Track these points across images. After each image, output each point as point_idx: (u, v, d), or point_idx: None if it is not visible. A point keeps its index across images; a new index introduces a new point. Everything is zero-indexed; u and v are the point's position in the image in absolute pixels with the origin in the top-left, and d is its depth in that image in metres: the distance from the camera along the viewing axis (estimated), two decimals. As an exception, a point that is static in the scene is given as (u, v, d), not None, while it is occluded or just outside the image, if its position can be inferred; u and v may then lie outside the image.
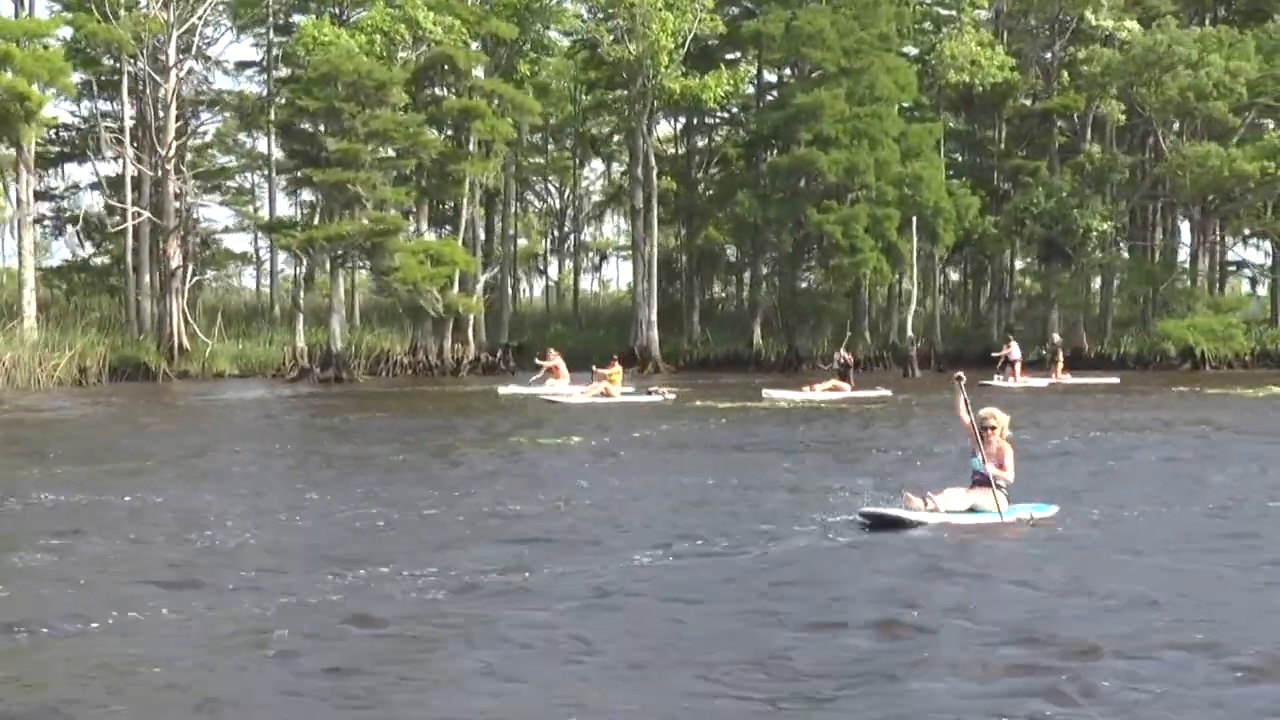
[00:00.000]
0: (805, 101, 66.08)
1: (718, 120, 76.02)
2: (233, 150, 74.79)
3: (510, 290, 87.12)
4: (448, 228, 70.64)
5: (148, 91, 60.50)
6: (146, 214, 59.51)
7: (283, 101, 60.96)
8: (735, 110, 74.77)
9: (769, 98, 73.70)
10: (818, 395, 44.55)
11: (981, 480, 18.05)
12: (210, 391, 50.81)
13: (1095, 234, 68.68)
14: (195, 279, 63.04)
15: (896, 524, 17.33)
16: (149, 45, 59.09)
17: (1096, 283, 74.52)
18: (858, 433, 32.05)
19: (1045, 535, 17.18)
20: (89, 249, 67.08)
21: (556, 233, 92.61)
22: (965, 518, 17.74)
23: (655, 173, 68.94)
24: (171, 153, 58.97)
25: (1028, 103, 74.92)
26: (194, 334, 59.24)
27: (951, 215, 66.45)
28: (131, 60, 59.80)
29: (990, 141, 77.02)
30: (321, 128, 58.13)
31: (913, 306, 66.81)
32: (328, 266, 58.58)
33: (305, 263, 59.25)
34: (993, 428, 18.25)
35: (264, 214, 73.60)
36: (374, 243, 57.12)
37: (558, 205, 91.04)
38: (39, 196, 64.14)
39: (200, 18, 61.26)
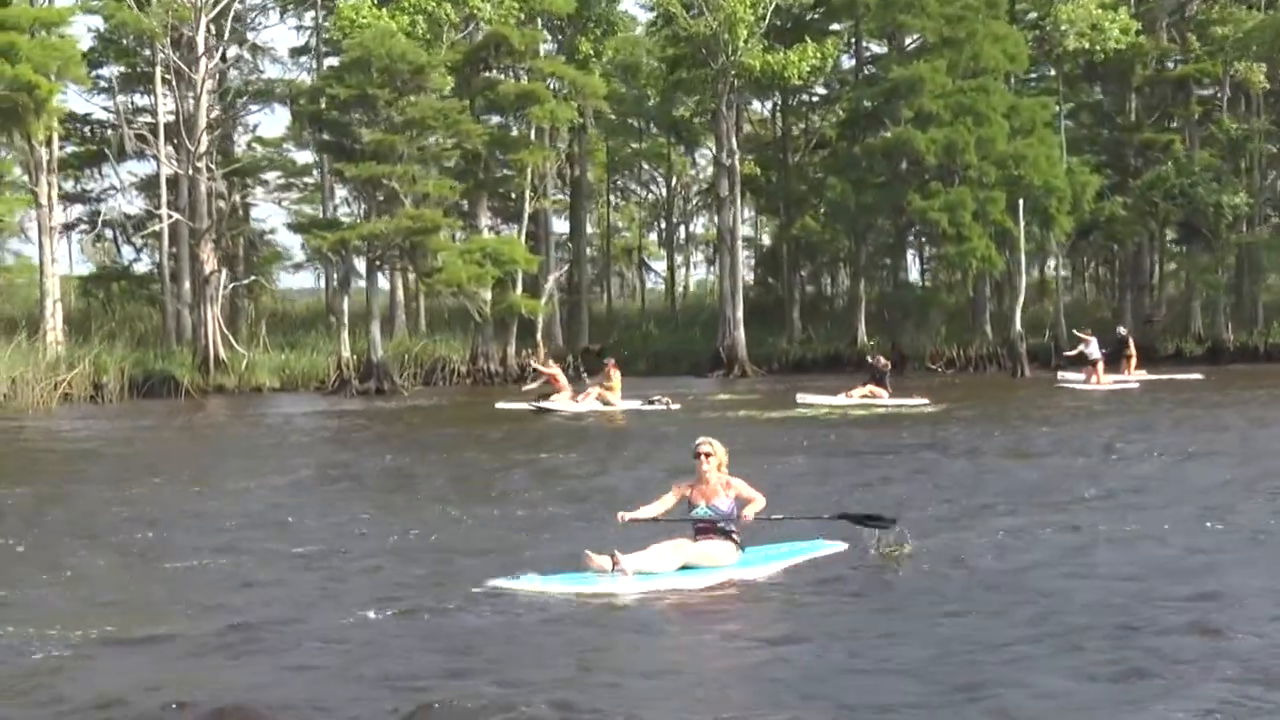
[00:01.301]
0: (902, 75, 61.51)
1: (814, 99, 70.95)
2: (291, 144, 71.11)
3: (605, 288, 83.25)
4: (510, 225, 66.67)
5: (181, 84, 56.94)
6: (176, 215, 56.16)
7: (315, 90, 56.76)
8: (836, 87, 69.65)
9: (867, 72, 68.55)
10: (853, 402, 41.31)
11: (706, 529, 15.00)
12: (233, 408, 48.12)
13: (1228, 211, 62.75)
14: (235, 284, 59.44)
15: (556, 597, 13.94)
16: (182, 34, 55.53)
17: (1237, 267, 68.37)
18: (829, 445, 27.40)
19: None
20: (129, 254, 64.08)
21: (663, 225, 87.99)
22: (661, 581, 14.35)
23: (738, 157, 64.09)
24: (203, 148, 55.51)
25: (1158, 70, 68.89)
26: (231, 345, 55.43)
27: (1066, 197, 61.05)
28: (163, 50, 56.25)
29: (1121, 114, 71.11)
30: (356, 118, 54.10)
31: (1021, 298, 61.50)
32: (363, 269, 54.40)
33: (342, 265, 55.31)
34: (706, 454, 15.13)
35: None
36: (413, 242, 53.19)
37: (663, 195, 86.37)
38: (73, 199, 61.20)
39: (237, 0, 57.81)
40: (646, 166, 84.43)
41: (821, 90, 70.52)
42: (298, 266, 76.93)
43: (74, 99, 64.67)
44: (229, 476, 26.08)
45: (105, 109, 61.55)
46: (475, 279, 54.50)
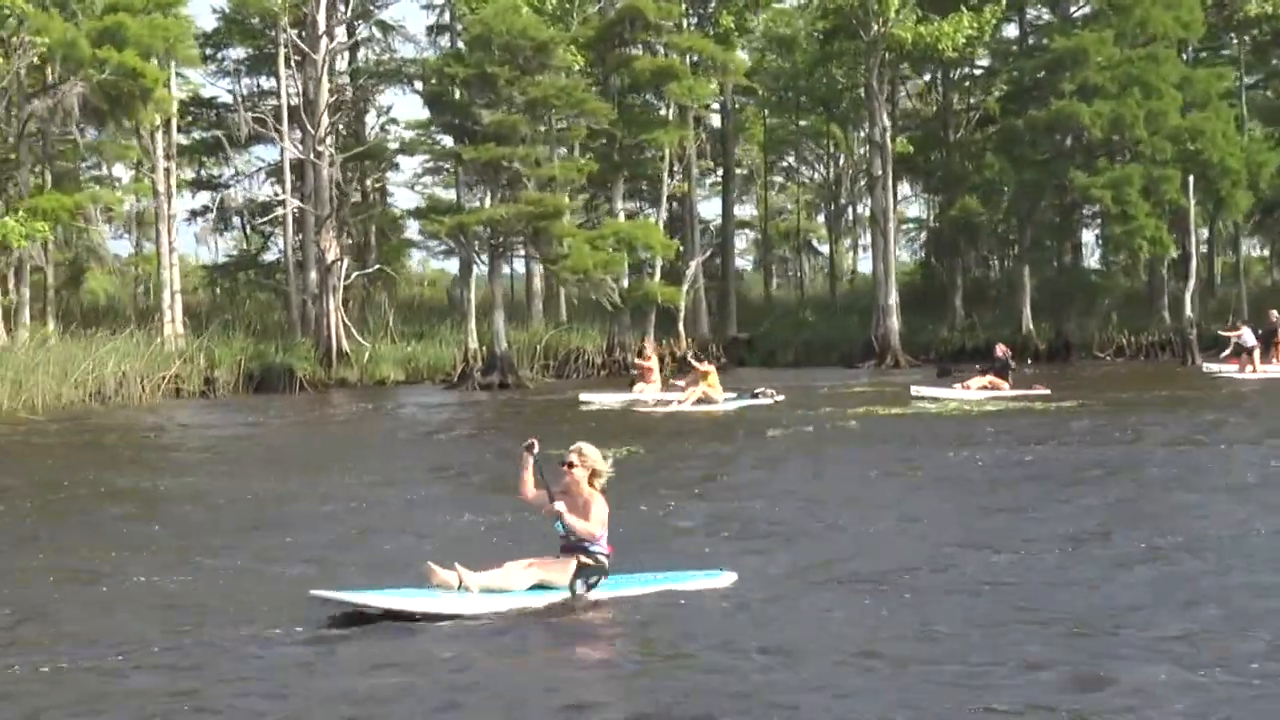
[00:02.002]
0: (1065, 46, 58.17)
1: (977, 72, 67.59)
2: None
3: (765, 274, 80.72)
4: (648, 209, 64.46)
5: (305, 66, 55.47)
6: (296, 202, 54.73)
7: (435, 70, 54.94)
8: (1000, 59, 66.36)
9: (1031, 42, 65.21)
10: (971, 395, 38.93)
11: (569, 546, 13.49)
12: (343, 403, 46.59)
13: None
14: (359, 273, 57.74)
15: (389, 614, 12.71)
16: (305, 14, 54.08)
17: None
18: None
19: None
20: (257, 243, 62.60)
21: (834, 206, 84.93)
22: (509, 600, 13.01)
23: (890, 134, 61.10)
24: (323, 132, 53.92)
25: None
26: (353, 336, 53.87)
27: (1242, 175, 57.33)
28: (284, 30, 54.82)
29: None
30: (477, 99, 52.23)
31: (1192, 281, 57.98)
32: (486, 256, 52.50)
33: (464, 252, 53.49)
34: (570, 465, 13.57)
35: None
36: (536, 227, 51.16)
37: (831, 175, 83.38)
38: (202, 186, 60.04)
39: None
40: (813, 146, 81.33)
41: (985, 62, 67.03)
42: (447, 253, 75.15)
43: (198, 83, 63.08)
44: (329, 472, 24.70)
45: (229, 91, 60.15)
46: (603, 266, 52.25)
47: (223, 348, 52.16)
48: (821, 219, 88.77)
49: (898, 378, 52.23)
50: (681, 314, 59.82)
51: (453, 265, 78.07)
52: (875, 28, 58.89)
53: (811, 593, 13.96)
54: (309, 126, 54.12)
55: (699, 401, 38.35)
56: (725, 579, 14.01)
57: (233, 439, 34.32)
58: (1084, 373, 52.17)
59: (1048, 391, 39.14)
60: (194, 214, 63.37)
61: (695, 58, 58.30)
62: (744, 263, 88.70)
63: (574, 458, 13.51)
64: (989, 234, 66.28)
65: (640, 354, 45.54)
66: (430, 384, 54.26)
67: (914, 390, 39.57)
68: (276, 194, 58.23)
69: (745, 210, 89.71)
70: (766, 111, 75.99)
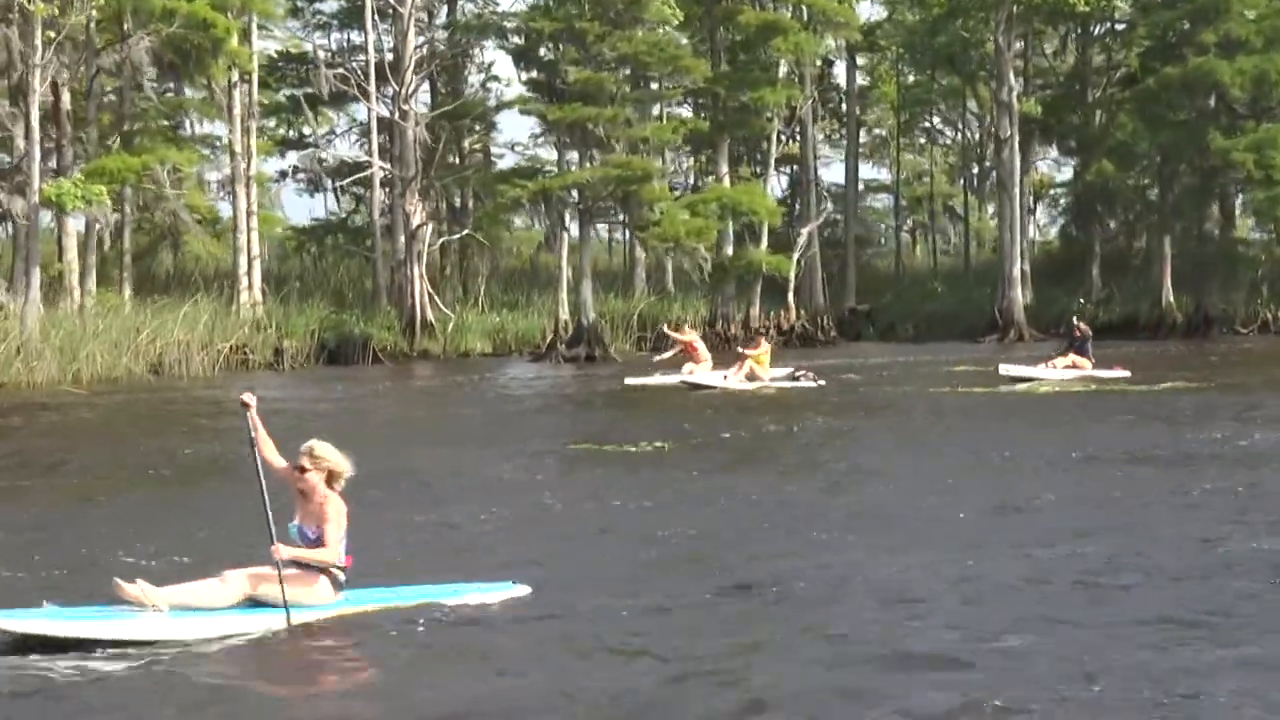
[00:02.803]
0: (1206, -5, 54.60)
1: (1120, 27, 64.01)
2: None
3: (895, 242, 77.84)
4: (759, 171, 61.87)
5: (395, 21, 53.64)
6: (380, 163, 52.91)
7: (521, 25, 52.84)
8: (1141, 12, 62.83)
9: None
10: (1055, 374, 36.48)
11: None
12: (414, 376, 44.74)
13: None
14: (445, 239, 55.97)
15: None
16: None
17: None
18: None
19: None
20: (347, 207, 60.84)
21: (978, 169, 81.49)
22: (208, 623, 10.78)
23: (1017, 94, 58.11)
24: (410, 89, 52.04)
25: None
26: (438, 306, 52.09)
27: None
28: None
29: None
30: (567, 54, 50.17)
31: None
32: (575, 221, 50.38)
33: (553, 217, 51.47)
34: (302, 469, 11.31)
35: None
36: (625, 192, 48.92)
37: (976, 137, 79.90)
38: (291, 145, 58.40)
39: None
40: (949, 106, 77.91)
41: (1127, 15, 63.57)
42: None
43: (292, 37, 61.42)
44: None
45: (321, 48, 58.29)
46: (696, 234, 49.99)
47: (298, 317, 50.56)
48: (962, 183, 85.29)
49: (1018, 353, 49.53)
50: (792, 284, 57.29)
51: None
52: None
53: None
54: (394, 83, 52.32)
55: (749, 379, 35.87)
56: (518, 591, 11.92)
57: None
58: (1214, 350, 48.92)
59: (1127, 373, 36.28)
60: (283, 175, 61.83)
61: (806, 13, 55.41)
62: (878, 230, 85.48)
63: (305, 460, 11.29)
64: (1129, 200, 62.90)
65: (677, 328, 42.97)
66: (519, 355, 52.35)
67: (1002, 369, 36.82)
68: (362, 155, 56.35)
69: (883, 174, 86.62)
70: (902, 68, 72.76)
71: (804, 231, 59.22)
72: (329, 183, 59.06)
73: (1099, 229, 64.17)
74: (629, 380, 37.55)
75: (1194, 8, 55.76)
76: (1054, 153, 71.46)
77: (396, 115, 52.52)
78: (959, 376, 38.12)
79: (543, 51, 51.93)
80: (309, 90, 56.59)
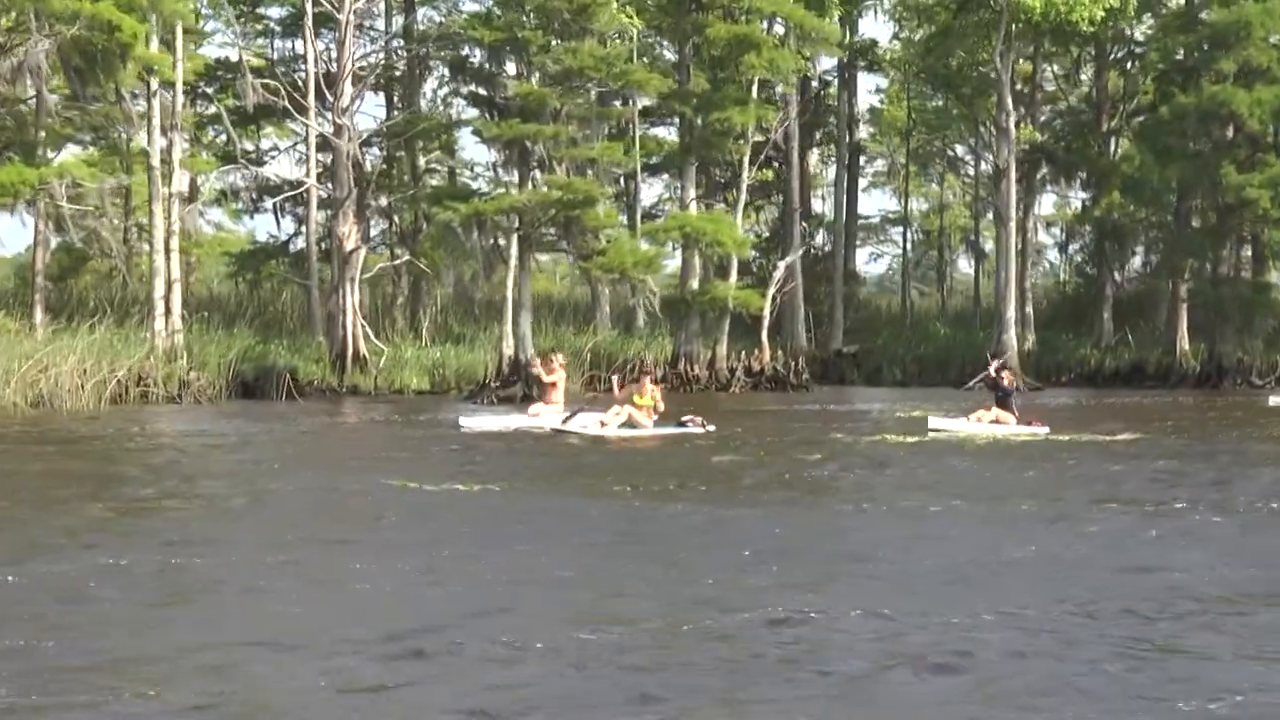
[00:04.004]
0: (1224, 19, 51.45)
1: (1134, 51, 60.80)
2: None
3: (903, 279, 74.61)
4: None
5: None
6: (313, 183, 50.33)
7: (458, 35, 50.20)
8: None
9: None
10: (979, 428, 33.70)
11: None
12: (329, 414, 41.87)
13: None
14: (383, 266, 53.37)
15: None
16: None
17: None
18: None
19: None
20: (289, 228, 58.10)
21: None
22: None
23: (1014, 120, 55.18)
24: (344, 103, 49.31)
25: None
26: (369, 338, 49.43)
27: None
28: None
29: None
30: (509, 68, 47.56)
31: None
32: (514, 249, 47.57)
33: (485, 244, 48.77)
34: None
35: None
36: (567, 217, 46.03)
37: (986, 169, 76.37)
38: (228, 160, 55.51)
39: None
40: (962, 133, 74.42)
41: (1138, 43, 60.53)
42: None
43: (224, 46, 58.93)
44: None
45: (263, 57, 55.47)
46: (644, 264, 47.05)
47: (213, 347, 47.93)
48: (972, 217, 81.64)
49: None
50: (766, 322, 54.25)
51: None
52: (999, -3, 53.01)
53: None
54: (328, 96, 49.70)
55: (628, 425, 32.76)
56: None
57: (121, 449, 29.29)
58: (1211, 403, 45.71)
59: (1045, 429, 33.41)
60: (224, 194, 58.97)
61: (784, 27, 52.52)
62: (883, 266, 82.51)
63: None
64: (1142, 238, 59.78)
65: (543, 361, 39.95)
66: (458, 394, 49.54)
67: (931, 423, 33.93)
68: (298, 175, 53.75)
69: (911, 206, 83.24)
70: (910, 91, 69.50)
71: (781, 265, 56.22)
72: (269, 203, 56.18)
73: (1111, 269, 60.93)
74: (464, 421, 34.65)
75: (1211, 32, 52.73)
76: (1071, 186, 67.82)
77: (330, 130, 49.81)
78: (891, 425, 35.50)
79: (482, 63, 48.94)
80: (240, 103, 54.04)
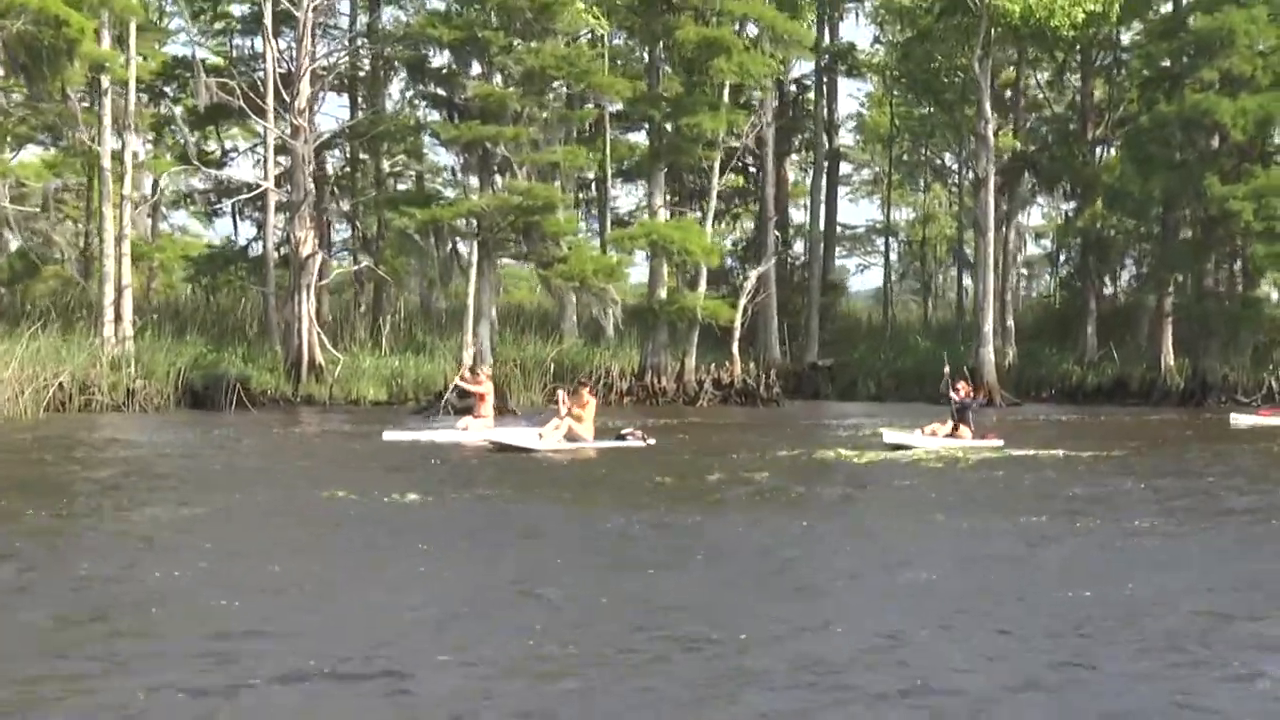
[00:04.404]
0: (1207, 26, 50.57)
1: (1121, 58, 59.88)
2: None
3: (885, 291, 73.63)
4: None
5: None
6: (269, 185, 49.51)
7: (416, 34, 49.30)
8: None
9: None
10: (934, 443, 32.71)
11: None
12: (276, 425, 40.43)
13: None
14: (343, 271, 52.53)
15: None
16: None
17: None
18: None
19: None
20: (249, 233, 57.16)
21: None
22: None
23: (992, 127, 54.21)
24: (302, 104, 48.39)
25: None
26: (325, 346, 48.54)
27: None
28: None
29: None
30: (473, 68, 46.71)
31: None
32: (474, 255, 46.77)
33: (442, 250, 47.89)
34: None
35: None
36: (526, 223, 45.15)
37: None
38: (184, 161, 54.49)
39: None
40: (948, 140, 73.49)
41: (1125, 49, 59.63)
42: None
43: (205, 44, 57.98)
44: None
45: (198, 54, 54.57)
46: (606, 273, 46.14)
47: (162, 354, 47.07)
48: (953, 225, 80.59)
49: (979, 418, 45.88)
50: (736, 333, 53.32)
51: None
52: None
53: None
54: (284, 96, 48.83)
55: (568, 439, 31.80)
56: None
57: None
58: (1191, 421, 44.69)
59: (999, 442, 32.72)
60: (184, 197, 58.11)
61: (755, 30, 51.64)
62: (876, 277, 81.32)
63: None
64: (1127, 251, 58.92)
65: (472, 371, 39.07)
66: (415, 404, 48.62)
67: (885, 436, 33.01)
68: (256, 178, 52.95)
69: (898, 215, 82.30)
70: (894, 97, 68.45)
71: (752, 274, 55.31)
72: (227, 206, 55.23)
73: (1095, 282, 60.00)
74: (388, 434, 33.75)
75: (1195, 39, 51.80)
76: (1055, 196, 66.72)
77: (287, 131, 48.94)
78: (845, 440, 34.56)
79: (440, 62, 48.15)
80: (172, 103, 53.29)
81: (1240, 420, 43.37)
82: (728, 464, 28.17)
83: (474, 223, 46.42)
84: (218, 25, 56.25)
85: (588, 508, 21.24)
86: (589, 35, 52.11)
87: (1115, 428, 41.75)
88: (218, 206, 56.49)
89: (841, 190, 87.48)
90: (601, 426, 33.79)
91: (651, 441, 31.95)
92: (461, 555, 16.75)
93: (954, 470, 27.48)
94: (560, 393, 34.05)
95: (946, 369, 37.94)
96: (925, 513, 20.52)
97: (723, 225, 66.42)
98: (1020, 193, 61.98)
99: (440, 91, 49.40)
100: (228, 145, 58.97)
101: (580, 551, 17.00)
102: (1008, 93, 62.21)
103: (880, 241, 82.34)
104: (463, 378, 38.82)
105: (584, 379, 38.75)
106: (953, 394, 34.31)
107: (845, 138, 72.88)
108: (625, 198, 67.19)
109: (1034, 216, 75.51)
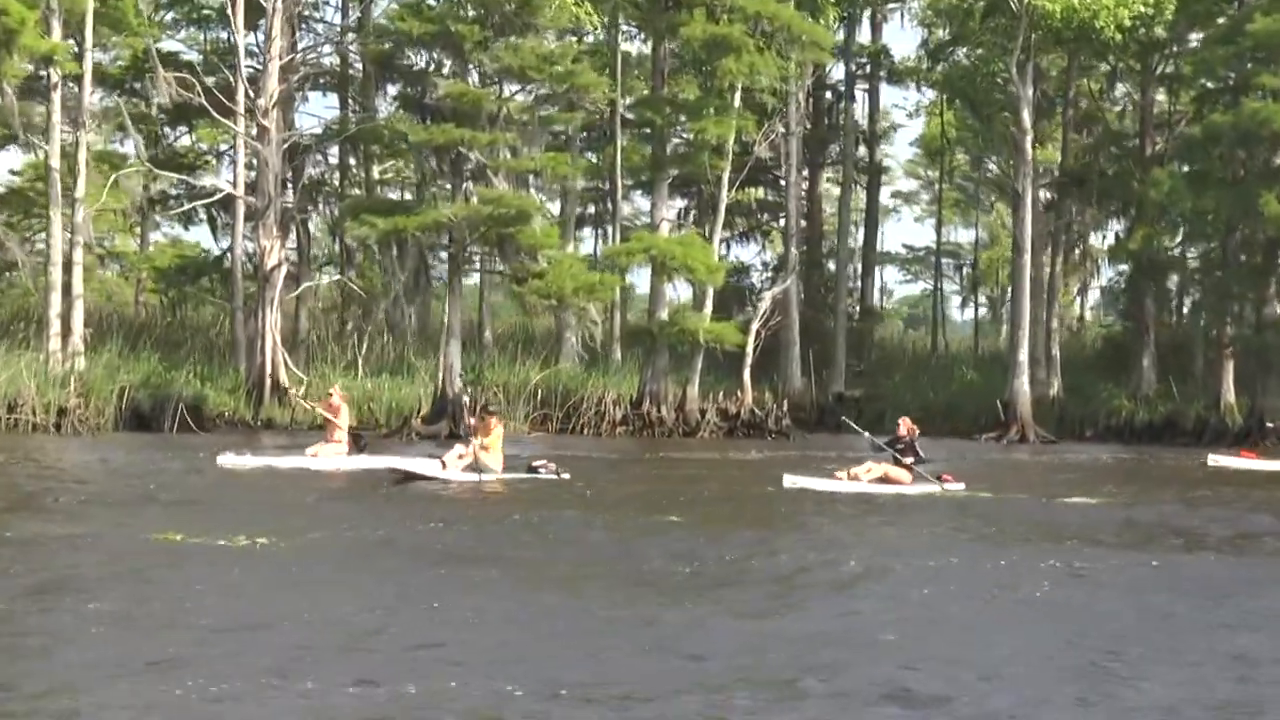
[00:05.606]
0: (1266, 29, 47.74)
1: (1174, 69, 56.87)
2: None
3: (934, 316, 70.96)
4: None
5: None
6: (232, 190, 47.61)
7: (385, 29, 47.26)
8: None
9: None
10: (854, 488, 29.60)
11: None
12: (199, 450, 37.95)
13: None
14: (308, 285, 50.55)
15: None
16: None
17: None
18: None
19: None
20: (222, 242, 55.11)
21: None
22: None
23: (1031, 140, 51.55)
24: (272, 102, 46.36)
25: None
26: (288, 366, 46.59)
27: None
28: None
29: None
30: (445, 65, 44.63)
31: None
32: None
33: (407, 263, 45.81)
34: None
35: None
36: (500, 235, 42.96)
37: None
38: (160, 165, 52.52)
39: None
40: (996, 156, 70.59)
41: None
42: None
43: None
44: None
45: (199, 50, 52.74)
46: (587, 290, 43.81)
47: (106, 371, 45.17)
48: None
49: (1013, 455, 43.79)
50: (748, 359, 50.85)
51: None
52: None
53: None
54: (250, 95, 46.86)
55: (470, 469, 29.51)
56: None
57: None
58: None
59: (960, 486, 30.12)
60: (152, 201, 56.07)
61: (762, 27, 49.16)
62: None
63: None
64: (1182, 276, 56.11)
65: (325, 401, 36.96)
66: (386, 429, 46.49)
67: (786, 481, 29.88)
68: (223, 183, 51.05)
69: (959, 235, 79.68)
70: (944, 100, 65.37)
71: (766, 296, 52.87)
72: (201, 214, 53.29)
73: (1150, 310, 56.91)
74: (223, 459, 31.56)
75: (1253, 44, 48.89)
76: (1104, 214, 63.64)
77: (254, 132, 46.93)
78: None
79: (411, 60, 46.04)
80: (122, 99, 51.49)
81: (1218, 460, 40.44)
82: (621, 504, 26.03)
83: (443, 235, 44.18)
84: (191, 16, 54.08)
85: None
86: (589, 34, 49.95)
87: (1143, 470, 39.34)
88: (185, 211, 54.51)
89: (907, 210, 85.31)
90: (513, 458, 31.66)
91: (565, 475, 29.85)
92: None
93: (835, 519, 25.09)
94: (470, 420, 32.00)
95: (867, 434, 34.52)
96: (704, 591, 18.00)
97: (751, 243, 64.23)
98: (1067, 210, 58.97)
99: (410, 90, 47.26)
100: (216, 147, 57.11)
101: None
102: (1066, 108, 59.17)
103: (942, 263, 79.80)
104: (296, 398, 36.97)
105: (492, 408, 36.30)
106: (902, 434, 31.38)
107: (902, 151, 70.05)
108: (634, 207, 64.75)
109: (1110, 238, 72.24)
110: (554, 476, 29.72)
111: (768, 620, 15.30)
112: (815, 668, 12.69)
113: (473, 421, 31.71)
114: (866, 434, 33.64)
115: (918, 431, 31.54)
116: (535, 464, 30.56)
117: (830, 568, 18.93)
